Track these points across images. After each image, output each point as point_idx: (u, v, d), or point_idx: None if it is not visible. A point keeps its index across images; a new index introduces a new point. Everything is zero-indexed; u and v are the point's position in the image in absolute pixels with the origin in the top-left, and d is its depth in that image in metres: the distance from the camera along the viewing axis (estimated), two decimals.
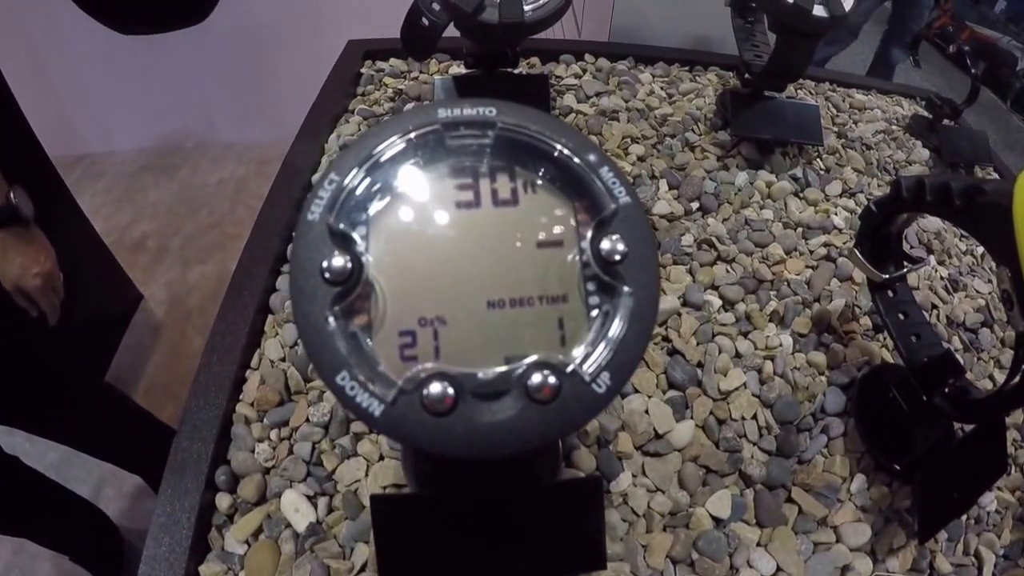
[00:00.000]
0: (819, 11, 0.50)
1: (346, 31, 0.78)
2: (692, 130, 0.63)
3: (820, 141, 0.61)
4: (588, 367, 0.18)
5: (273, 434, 0.39)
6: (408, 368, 0.17)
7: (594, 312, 0.19)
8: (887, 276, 0.41)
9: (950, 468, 0.39)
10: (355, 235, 0.18)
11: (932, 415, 0.39)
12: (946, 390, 0.38)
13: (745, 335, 0.47)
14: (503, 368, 0.18)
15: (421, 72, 0.72)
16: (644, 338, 0.18)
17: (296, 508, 0.35)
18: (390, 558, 0.25)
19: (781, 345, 0.46)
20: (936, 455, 0.39)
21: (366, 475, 0.37)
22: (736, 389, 0.43)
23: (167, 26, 0.84)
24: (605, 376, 0.18)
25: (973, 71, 0.74)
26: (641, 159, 0.59)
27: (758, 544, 0.38)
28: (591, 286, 0.19)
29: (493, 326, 0.18)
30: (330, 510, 0.36)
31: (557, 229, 0.19)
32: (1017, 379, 0.32)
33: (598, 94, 0.67)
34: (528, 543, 0.25)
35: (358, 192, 0.19)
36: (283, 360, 0.43)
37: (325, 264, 0.17)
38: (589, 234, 0.19)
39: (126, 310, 1.32)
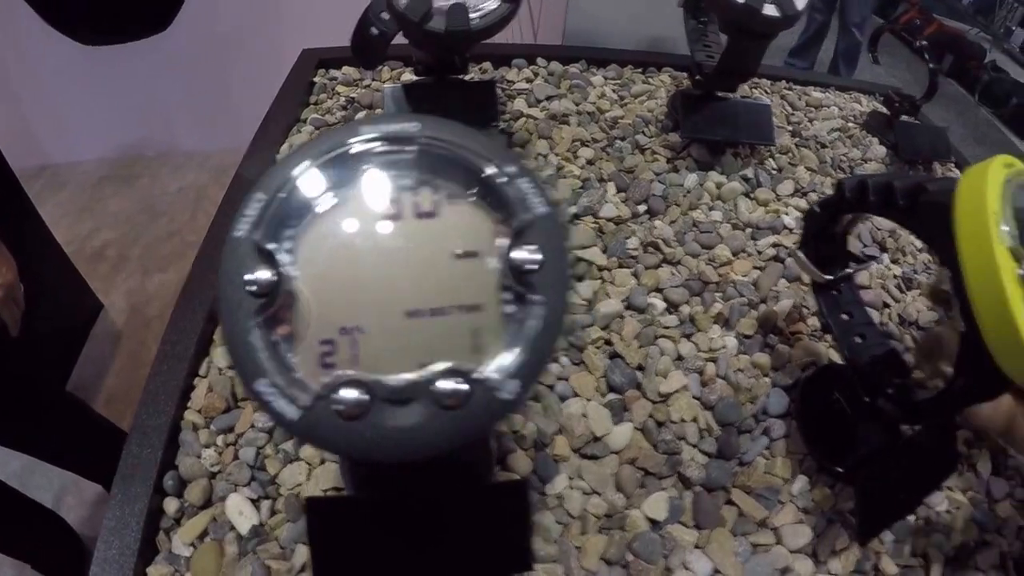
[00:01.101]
0: (770, 10, 0.50)
1: (307, 39, 0.77)
2: (643, 132, 0.63)
3: (772, 141, 0.61)
4: (496, 375, 0.18)
5: (219, 440, 0.40)
6: (326, 375, 0.18)
7: (507, 321, 0.19)
8: (831, 277, 0.41)
9: (894, 469, 0.39)
10: (280, 250, 0.19)
11: (875, 416, 0.39)
12: (889, 391, 0.37)
13: (688, 337, 0.47)
14: (413, 375, 0.18)
15: (374, 80, 0.71)
16: (552, 346, 0.19)
17: (240, 511, 0.36)
18: (323, 559, 0.26)
19: (725, 347, 0.46)
20: (879, 457, 0.39)
21: (308, 478, 0.38)
22: (676, 392, 0.43)
23: (128, 36, 0.83)
24: (513, 383, 0.18)
25: (931, 65, 0.74)
26: (591, 162, 0.59)
27: (696, 546, 0.38)
28: (507, 295, 0.19)
29: (410, 335, 0.19)
30: (272, 513, 0.37)
31: (475, 240, 0.20)
32: (960, 381, 0.31)
33: (549, 98, 0.67)
34: (457, 544, 0.27)
35: (283, 208, 0.19)
36: (230, 368, 0.43)
37: (249, 277, 0.18)
38: (507, 244, 0.20)
39: (87, 320, 1.32)
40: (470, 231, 0.20)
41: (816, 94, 0.81)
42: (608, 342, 0.45)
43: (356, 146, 0.20)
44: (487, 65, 0.72)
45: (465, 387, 0.18)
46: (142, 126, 1.79)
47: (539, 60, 0.73)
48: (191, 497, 0.37)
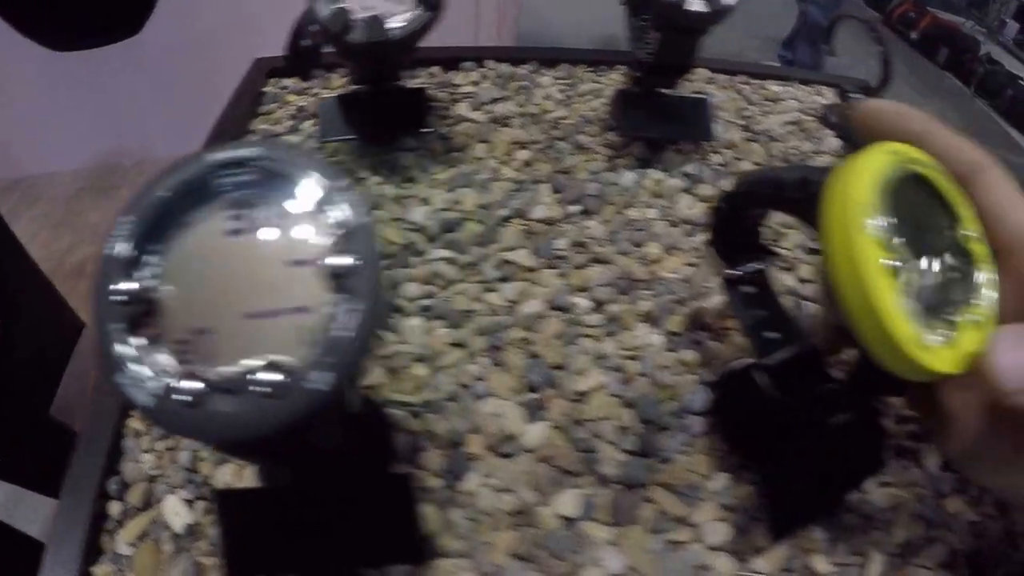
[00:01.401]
0: (698, 5, 0.50)
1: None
2: (585, 132, 0.63)
3: (709, 137, 0.60)
4: (312, 368, 0.21)
5: (159, 445, 0.41)
6: (178, 369, 0.22)
7: (328, 321, 0.22)
8: (739, 272, 0.40)
9: (808, 466, 0.38)
10: (143, 264, 0.23)
11: (792, 413, 0.38)
12: (803, 387, 0.37)
13: (612, 336, 0.46)
14: (241, 368, 0.21)
15: (324, 88, 0.72)
16: (364, 342, 0.22)
17: (176, 512, 0.38)
18: (230, 548, 0.30)
19: (650, 344, 0.46)
20: (797, 453, 0.38)
21: (240, 479, 0.39)
22: (595, 389, 0.43)
23: (99, 40, 0.83)
24: (327, 376, 0.21)
25: (882, 50, 0.73)
26: (527, 164, 0.59)
27: (610, 543, 0.38)
28: (327, 297, 0.22)
29: (248, 334, 0.22)
30: (206, 512, 0.38)
31: (305, 250, 0.23)
32: (854, 376, 0.32)
33: (494, 100, 0.67)
34: (349, 535, 0.31)
35: (147, 228, 0.23)
36: None
37: (115, 288, 0.22)
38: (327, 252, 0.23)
39: (68, 340, 1.31)
40: (301, 242, 0.23)
41: (775, 88, 0.80)
42: (528, 341, 0.45)
43: (207, 171, 0.24)
44: (435, 69, 0.73)
45: (281, 378, 0.21)
46: (118, 135, 1.78)
47: (489, 63, 0.74)
48: (132, 500, 0.39)
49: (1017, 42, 2.86)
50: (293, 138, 0.66)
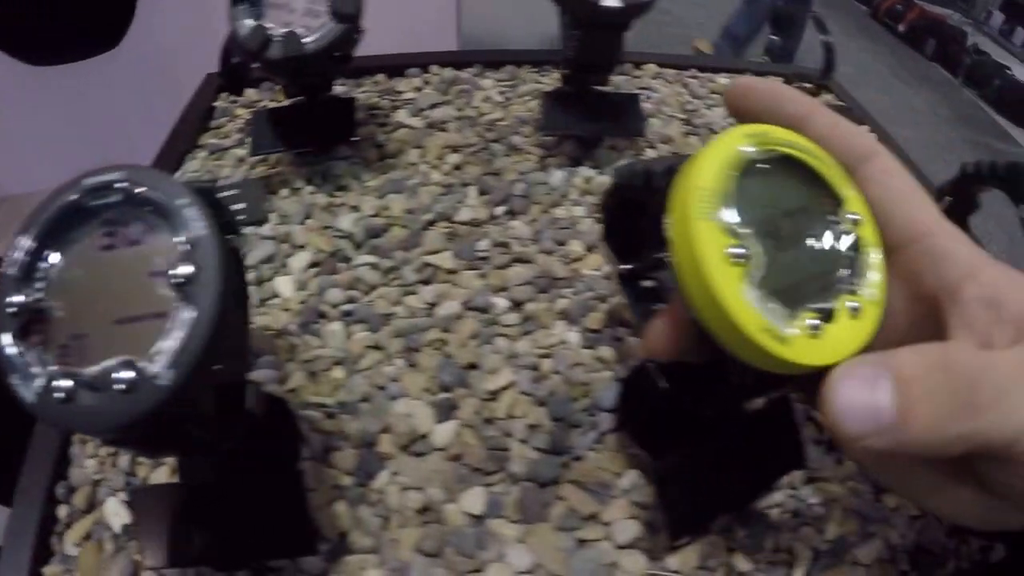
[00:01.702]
0: (613, 1, 0.50)
1: None
2: (520, 132, 0.63)
3: (641, 132, 0.60)
4: (158, 367, 0.23)
5: (101, 451, 0.43)
6: (57, 370, 0.24)
7: (177, 324, 0.24)
8: (631, 266, 0.40)
9: (710, 464, 0.38)
10: (33, 279, 0.25)
11: (687, 410, 0.38)
12: (697, 384, 0.36)
13: (528, 335, 0.46)
14: (103, 367, 0.24)
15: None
16: (206, 342, 0.24)
17: (115, 512, 0.40)
18: (146, 541, 0.34)
19: (565, 342, 0.46)
20: (691, 451, 0.38)
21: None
22: (504, 388, 0.43)
23: (77, 55, 0.83)
24: (171, 373, 0.23)
25: (824, 38, 0.72)
26: (457, 167, 0.59)
27: (518, 540, 0.38)
28: (176, 304, 0.25)
29: (115, 338, 0.25)
30: None
31: (162, 261, 0.25)
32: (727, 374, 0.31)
33: (432, 106, 0.67)
34: (246, 529, 0.34)
35: (36, 248, 0.26)
36: None
37: (11, 301, 0.25)
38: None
39: None
40: (160, 254, 0.26)
41: (724, 80, 0.80)
42: (444, 342, 0.45)
43: (84, 194, 0.26)
44: (380, 77, 0.73)
45: (133, 375, 0.23)
46: (100, 150, 1.76)
47: (434, 68, 0.74)
48: (78, 503, 0.40)
49: (1003, 32, 2.85)
50: (240, 151, 0.66)
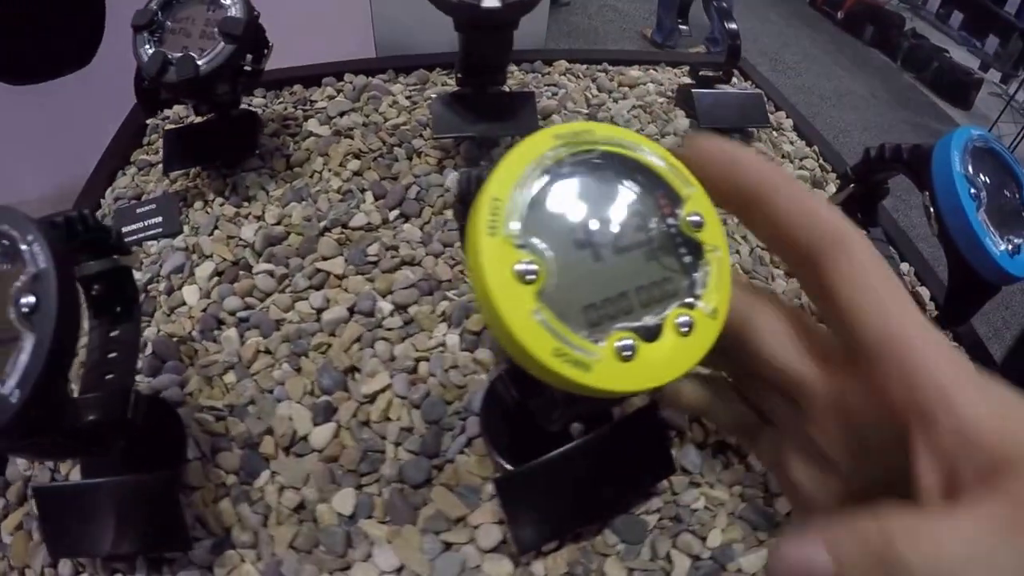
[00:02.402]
0: (491, 2, 0.50)
1: None
2: (421, 136, 0.65)
3: (533, 131, 0.62)
4: (7, 388, 0.26)
5: None
6: None
7: (19, 349, 0.27)
8: None
9: (557, 472, 0.38)
10: None
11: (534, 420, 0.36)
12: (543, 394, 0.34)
13: (408, 338, 0.48)
14: None
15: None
16: (43, 365, 0.26)
17: None
18: (47, 534, 0.38)
19: (443, 345, 0.48)
20: (551, 461, 0.39)
21: None
22: (380, 391, 0.45)
23: (50, 74, 0.83)
24: (17, 391, 0.26)
25: (727, 27, 0.72)
26: (357, 173, 0.61)
27: (386, 541, 0.40)
28: (23, 330, 0.27)
29: None
30: None
31: (15, 290, 0.28)
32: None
33: (341, 113, 0.69)
34: (135, 524, 0.37)
35: None
36: None
37: None
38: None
39: None
40: (16, 283, 0.28)
41: (634, 72, 0.82)
42: (328, 347, 0.48)
43: None
44: (297, 88, 0.74)
45: None
46: (82, 160, 1.76)
47: (348, 75, 0.75)
48: (11, 497, 0.44)
49: (940, 16, 2.92)
50: None
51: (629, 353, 0.23)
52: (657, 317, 0.24)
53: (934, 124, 2.56)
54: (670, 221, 0.26)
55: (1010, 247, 0.42)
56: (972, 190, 0.42)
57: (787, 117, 0.82)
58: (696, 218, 0.25)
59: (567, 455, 0.38)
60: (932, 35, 2.88)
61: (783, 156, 0.75)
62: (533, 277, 0.22)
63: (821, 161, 0.75)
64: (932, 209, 0.43)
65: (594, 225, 0.25)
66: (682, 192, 0.26)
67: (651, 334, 0.24)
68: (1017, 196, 0.46)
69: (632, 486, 0.41)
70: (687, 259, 0.25)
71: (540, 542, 0.38)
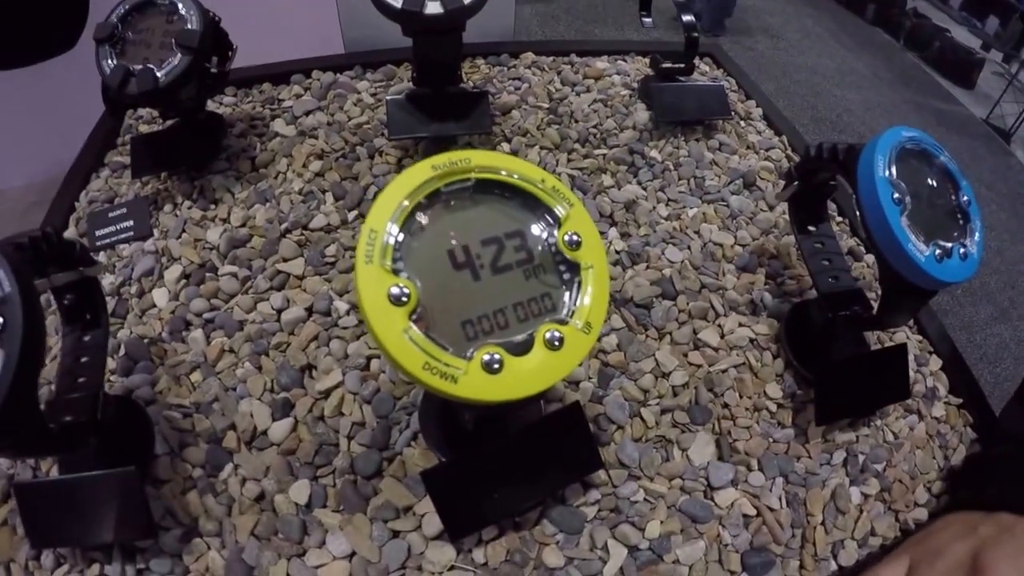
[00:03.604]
0: (433, 8, 0.51)
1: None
2: (383, 135, 0.66)
3: (487, 129, 0.63)
4: None
5: None
6: None
7: None
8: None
9: (481, 468, 0.40)
10: None
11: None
12: None
13: (361, 336, 0.51)
14: None
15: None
16: (10, 379, 0.28)
17: None
18: (27, 527, 0.41)
19: None
20: (476, 456, 0.40)
21: None
22: (333, 388, 0.48)
23: (34, 58, 0.85)
24: None
25: (683, 19, 0.71)
26: (318, 174, 0.63)
27: (338, 528, 0.43)
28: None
29: None
30: None
31: None
32: None
33: (306, 113, 0.70)
34: (106, 516, 0.40)
35: None
36: None
37: None
38: None
39: None
40: None
41: (601, 64, 0.83)
42: (287, 345, 0.50)
43: None
44: (266, 86, 0.76)
45: None
46: (67, 146, 1.77)
47: (316, 72, 0.77)
48: None
49: None
50: None
51: (497, 366, 0.25)
52: (527, 333, 0.26)
53: (938, 104, 2.53)
54: (549, 240, 0.28)
55: (938, 251, 0.40)
56: (896, 195, 0.40)
57: (757, 106, 0.83)
58: (574, 236, 0.28)
59: (493, 449, 0.40)
60: (933, 15, 2.85)
61: (747, 147, 0.75)
62: (406, 300, 0.25)
63: (789, 152, 0.76)
64: (859, 213, 0.42)
65: (473, 248, 0.27)
66: (560, 212, 0.28)
67: (521, 348, 0.26)
68: (953, 198, 0.44)
69: (559, 480, 0.43)
70: (567, 276, 0.28)
71: (469, 530, 0.41)
